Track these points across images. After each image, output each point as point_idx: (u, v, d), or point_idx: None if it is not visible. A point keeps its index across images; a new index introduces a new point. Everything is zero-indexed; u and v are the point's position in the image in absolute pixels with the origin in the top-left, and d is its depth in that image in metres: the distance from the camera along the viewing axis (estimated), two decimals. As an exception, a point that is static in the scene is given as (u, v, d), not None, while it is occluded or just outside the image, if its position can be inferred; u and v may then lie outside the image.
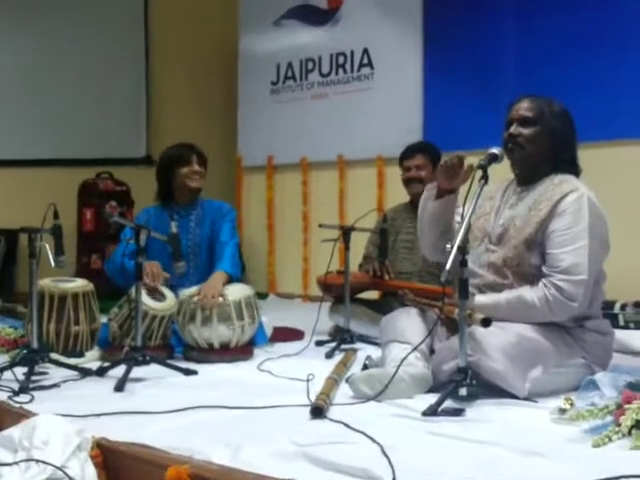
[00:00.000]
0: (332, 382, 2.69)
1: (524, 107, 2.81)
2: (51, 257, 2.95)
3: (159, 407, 2.48)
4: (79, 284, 3.52)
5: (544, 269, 2.68)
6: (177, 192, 3.84)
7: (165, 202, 3.87)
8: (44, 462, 1.97)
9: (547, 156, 2.77)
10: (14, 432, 2.14)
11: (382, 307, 3.93)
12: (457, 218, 2.83)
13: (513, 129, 2.79)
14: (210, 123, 6.78)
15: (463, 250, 2.44)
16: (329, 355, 3.43)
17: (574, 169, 2.83)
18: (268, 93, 6.57)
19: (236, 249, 3.82)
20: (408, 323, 2.90)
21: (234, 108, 6.80)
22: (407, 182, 4.16)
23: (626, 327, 3.90)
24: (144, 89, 6.77)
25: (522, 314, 2.67)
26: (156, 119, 6.77)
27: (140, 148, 6.70)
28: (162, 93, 6.80)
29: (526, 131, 2.78)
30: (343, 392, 2.66)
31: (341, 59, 6.13)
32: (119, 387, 2.82)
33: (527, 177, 2.83)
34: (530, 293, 2.67)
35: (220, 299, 3.43)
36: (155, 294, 3.47)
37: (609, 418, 2.10)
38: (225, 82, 6.92)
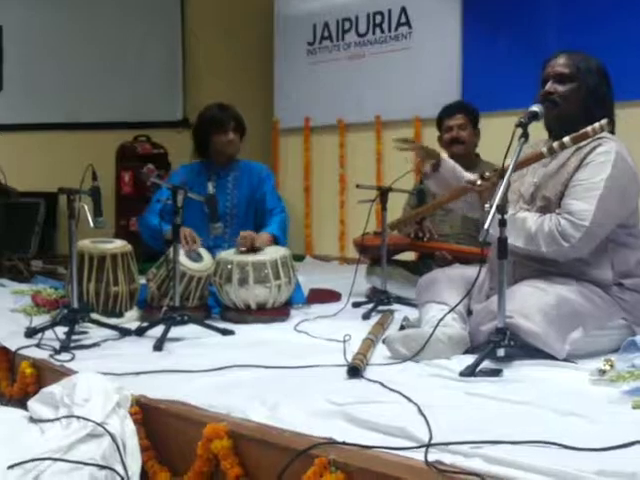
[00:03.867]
0: (369, 343, 2.69)
1: (560, 63, 2.74)
2: (90, 218, 2.97)
3: (197, 366, 2.51)
4: (118, 245, 3.55)
5: (556, 210, 2.65)
6: (214, 155, 3.84)
7: (203, 160, 3.86)
8: (85, 418, 2.00)
9: (582, 113, 2.70)
10: (55, 389, 2.18)
11: (419, 268, 3.91)
12: None
13: (549, 86, 2.73)
14: (246, 85, 6.75)
15: (502, 209, 2.41)
16: (366, 316, 3.42)
17: (609, 126, 2.76)
18: (304, 54, 6.51)
19: (285, 217, 3.83)
20: (445, 283, 2.89)
21: (270, 69, 6.75)
22: (449, 143, 4.08)
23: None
24: (180, 52, 6.76)
25: (523, 236, 2.63)
26: (192, 82, 6.76)
27: (177, 111, 6.71)
28: (198, 56, 6.79)
29: (562, 88, 2.72)
30: (380, 353, 2.66)
31: (378, 18, 6.05)
32: (158, 346, 2.85)
33: (561, 135, 2.76)
34: (534, 218, 2.64)
35: (256, 257, 3.43)
36: (192, 254, 3.48)
37: (650, 380, 2.07)
38: (261, 43, 6.87)
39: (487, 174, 2.77)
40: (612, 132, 2.75)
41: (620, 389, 2.09)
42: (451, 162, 3.04)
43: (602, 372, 2.21)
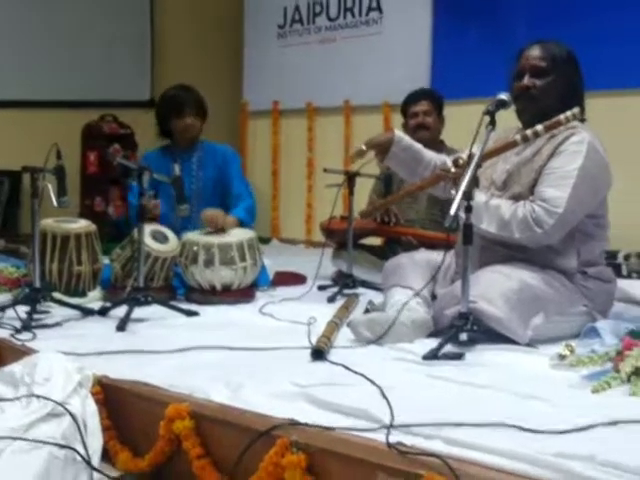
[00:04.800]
0: (333, 326, 2.70)
1: (535, 56, 2.74)
2: (53, 197, 2.94)
3: (160, 347, 2.50)
4: (82, 224, 3.51)
5: (529, 198, 2.67)
6: (176, 136, 3.82)
7: (167, 145, 3.84)
8: (45, 398, 1.98)
9: (559, 105, 2.72)
10: (15, 368, 2.15)
11: (385, 253, 3.92)
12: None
13: (526, 80, 2.73)
14: (215, 66, 6.70)
15: (468, 196, 2.42)
16: (331, 299, 3.43)
17: (582, 115, 2.78)
18: (275, 37, 6.48)
19: (252, 203, 3.81)
20: (410, 268, 2.90)
21: (240, 52, 6.71)
22: (415, 129, 4.09)
23: (629, 277, 3.90)
24: (149, 31, 6.67)
25: (496, 222, 2.65)
26: (160, 62, 6.69)
27: (144, 91, 6.63)
28: (167, 35, 6.71)
29: (540, 82, 2.72)
30: (344, 336, 2.66)
31: (349, 2, 6.03)
32: (121, 327, 2.83)
33: (534, 125, 2.78)
34: (508, 205, 2.66)
35: (223, 239, 3.42)
36: (158, 235, 3.45)
37: (609, 365, 2.11)
38: (231, 25, 6.81)
39: (460, 161, 2.78)
40: (583, 120, 2.78)
41: (580, 374, 2.12)
42: (406, 140, 3.02)
43: (562, 357, 2.24)
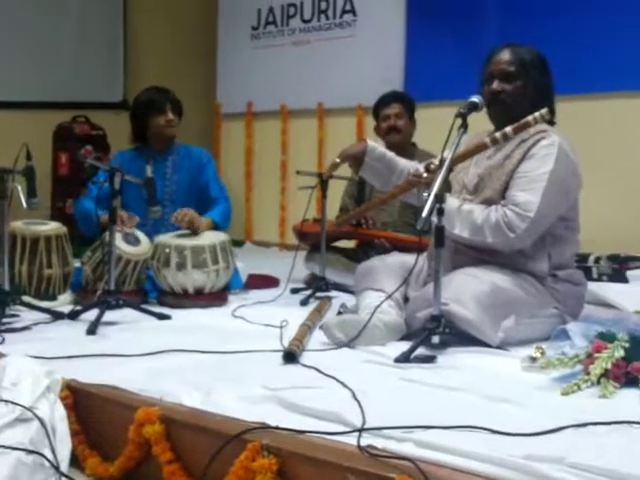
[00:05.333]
0: (306, 328, 2.69)
1: (505, 60, 2.75)
2: (23, 199, 2.91)
3: (131, 350, 2.48)
4: (52, 227, 3.48)
5: (501, 202, 2.68)
6: (151, 138, 3.79)
7: (140, 146, 3.81)
8: (13, 402, 1.95)
9: (527, 108, 2.73)
10: (-17, 372, 2.12)
11: (358, 256, 3.92)
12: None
13: (496, 85, 2.74)
14: (189, 68, 6.67)
15: (440, 199, 2.43)
16: (304, 302, 3.42)
17: (551, 118, 2.80)
18: (248, 38, 6.48)
19: (228, 206, 3.80)
20: (383, 271, 2.90)
21: (213, 53, 6.69)
22: (386, 132, 4.11)
23: (599, 279, 3.94)
24: (122, 33, 6.63)
25: (468, 227, 2.66)
26: (134, 63, 6.65)
27: (117, 92, 6.58)
28: (140, 37, 6.67)
29: (509, 87, 2.74)
30: (316, 338, 2.66)
31: (323, 5, 6.04)
32: (91, 330, 2.81)
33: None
34: (480, 210, 2.67)
35: (195, 241, 3.40)
36: (129, 238, 3.43)
37: (579, 367, 2.11)
38: (205, 26, 6.79)
39: (432, 166, 2.78)
40: (552, 123, 2.80)
41: (550, 376, 2.13)
42: (378, 150, 3.02)
43: (533, 359, 2.25)
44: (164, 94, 3.77)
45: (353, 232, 4.05)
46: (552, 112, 2.78)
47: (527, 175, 2.66)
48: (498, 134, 2.64)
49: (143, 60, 6.62)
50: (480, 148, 2.71)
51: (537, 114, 2.59)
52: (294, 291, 3.67)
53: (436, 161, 2.67)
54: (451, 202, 2.64)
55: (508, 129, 2.62)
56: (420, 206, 2.61)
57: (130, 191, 3.39)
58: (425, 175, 2.75)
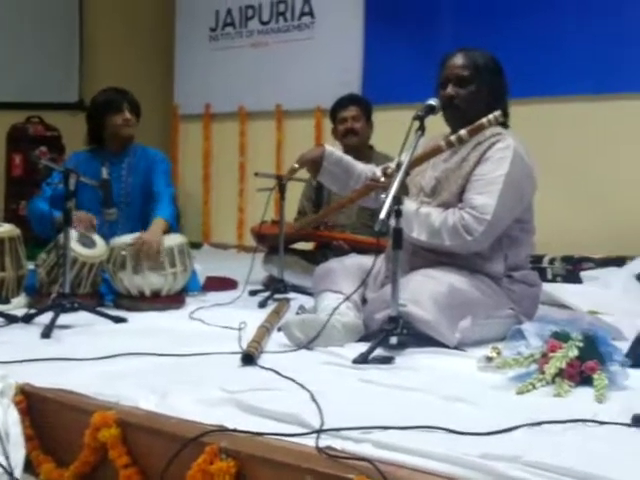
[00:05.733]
0: (264, 330, 2.69)
1: (459, 65, 2.78)
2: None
3: (86, 354, 2.44)
4: (5, 229, 3.42)
5: (458, 205, 2.71)
6: (108, 139, 3.74)
7: (96, 147, 3.77)
8: (-36, 408, 1.92)
9: (482, 112, 2.76)
10: None
11: (316, 258, 3.92)
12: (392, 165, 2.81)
13: (450, 89, 2.77)
14: (146, 69, 6.61)
15: (398, 200, 2.44)
16: (262, 304, 3.41)
17: (505, 121, 2.84)
18: (206, 40, 6.45)
19: (171, 199, 3.75)
20: (341, 273, 2.91)
21: (171, 54, 6.64)
22: (344, 134, 4.13)
23: (554, 280, 4.00)
24: (77, 33, 6.54)
25: (426, 230, 2.68)
26: (89, 63, 6.57)
27: (72, 93, 6.49)
28: (96, 37, 6.59)
29: (463, 91, 2.77)
30: (275, 340, 2.66)
31: (282, 7, 6.04)
32: (46, 334, 2.76)
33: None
34: (437, 213, 2.69)
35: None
36: (85, 240, 3.38)
37: (534, 366, 2.14)
38: (162, 27, 6.74)
39: (389, 170, 2.80)
40: (506, 125, 2.83)
41: (506, 375, 2.16)
42: (336, 154, 3.02)
43: (489, 359, 2.27)
44: (122, 94, 3.73)
45: (311, 234, 4.05)
46: (506, 115, 2.82)
47: (483, 178, 2.69)
48: (453, 137, 2.67)
49: (99, 61, 6.55)
50: (436, 151, 2.73)
51: (491, 116, 2.62)
52: (252, 293, 3.66)
53: (393, 165, 2.69)
54: (409, 205, 2.66)
55: (463, 132, 2.65)
56: (378, 208, 2.63)
57: (85, 193, 3.35)
58: (382, 179, 2.76)
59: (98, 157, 3.71)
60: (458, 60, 2.79)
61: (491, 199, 2.65)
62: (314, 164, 3.00)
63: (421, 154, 2.73)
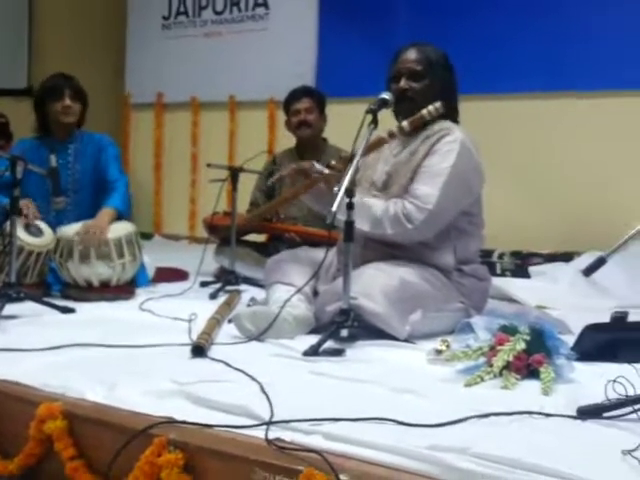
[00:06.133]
0: (214, 322, 2.67)
1: (412, 59, 2.80)
2: None
3: (33, 345, 2.40)
4: (-51, 217, 3.33)
5: (403, 196, 2.73)
6: (52, 126, 3.68)
7: (43, 134, 3.70)
8: None
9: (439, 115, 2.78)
10: None
11: (268, 250, 3.92)
12: None
13: (403, 83, 2.78)
14: (97, 56, 6.49)
15: (350, 193, 2.45)
16: (213, 296, 3.39)
17: (455, 116, 2.87)
18: (159, 28, 6.36)
19: (126, 187, 3.71)
20: (292, 265, 2.91)
21: (123, 42, 6.54)
22: (297, 126, 4.12)
23: (503, 275, 4.05)
24: (26, 18, 6.39)
25: (369, 220, 2.69)
26: (39, 49, 6.43)
27: (21, 79, 6.35)
28: (46, 23, 6.44)
29: (416, 85, 2.78)
30: (226, 332, 2.64)
31: (236, -3, 5.99)
32: (-9, 324, 2.71)
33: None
34: (380, 203, 2.70)
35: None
36: (32, 229, 3.32)
37: (482, 359, 2.17)
38: (114, 14, 6.62)
39: (333, 162, 2.82)
40: (456, 120, 2.86)
41: (454, 368, 2.18)
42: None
43: (438, 352, 2.29)
44: (65, 80, 3.66)
45: (263, 226, 4.04)
46: (455, 110, 2.86)
47: (429, 169, 2.72)
48: (395, 128, 2.70)
49: (49, 47, 6.41)
50: (379, 142, 2.74)
51: (431, 107, 2.66)
52: (203, 284, 3.63)
53: (333, 162, 2.76)
54: (363, 197, 2.67)
55: (404, 123, 2.69)
56: (320, 210, 2.65)
57: (31, 182, 3.28)
58: (326, 171, 2.77)
59: (44, 144, 3.65)
60: (411, 54, 2.81)
61: (434, 189, 2.67)
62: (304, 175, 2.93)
63: (364, 146, 2.74)
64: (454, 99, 2.86)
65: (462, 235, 2.82)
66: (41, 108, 3.66)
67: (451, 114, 2.84)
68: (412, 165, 2.77)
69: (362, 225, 2.68)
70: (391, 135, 2.70)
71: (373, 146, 2.76)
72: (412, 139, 2.82)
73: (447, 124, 2.79)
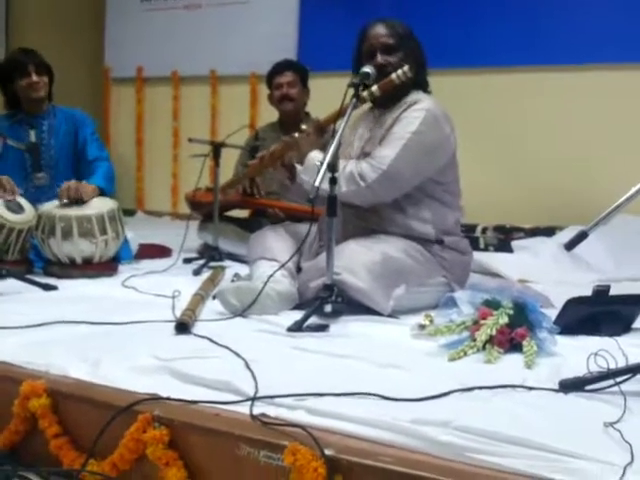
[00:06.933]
0: (198, 298, 2.67)
1: (383, 34, 2.79)
2: None
3: (15, 322, 2.39)
4: None
5: None
6: (23, 102, 3.64)
7: (14, 111, 3.66)
8: None
9: (410, 79, 2.77)
10: None
11: (251, 225, 3.90)
12: None
13: (380, 59, 2.77)
14: (75, 30, 6.39)
15: (333, 168, 2.44)
16: (197, 272, 3.38)
17: (425, 87, 2.88)
18: (138, 1, 6.27)
19: (109, 165, 3.69)
20: (276, 241, 2.91)
21: (102, 15, 6.45)
22: (279, 100, 4.11)
23: (486, 249, 4.07)
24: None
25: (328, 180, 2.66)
26: (16, 26, 6.31)
27: (-1, 53, 6.26)
28: (23, -2, 6.35)
29: (392, 59, 2.78)
30: (210, 308, 2.64)
31: (216, -31, 5.92)
32: (-28, 302, 2.69)
33: (387, 101, 2.83)
34: (341, 164, 2.67)
35: (81, 211, 3.30)
36: (12, 205, 3.29)
37: (465, 334, 2.18)
38: (92, -14, 6.53)
39: (303, 126, 2.86)
40: (427, 91, 2.87)
41: (438, 343, 2.19)
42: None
43: (422, 327, 2.30)
44: (27, 55, 3.62)
45: (246, 201, 4.02)
46: (426, 82, 2.88)
47: (392, 135, 2.74)
48: (365, 92, 2.69)
49: (27, 22, 6.29)
50: (344, 110, 2.70)
51: (400, 71, 2.68)
52: (187, 261, 3.63)
53: (304, 126, 2.88)
54: (316, 157, 2.70)
55: (374, 87, 2.69)
56: (297, 199, 2.64)
57: (8, 157, 3.25)
58: (296, 135, 2.83)
59: (18, 121, 3.61)
60: (381, 29, 2.80)
61: (391, 151, 2.69)
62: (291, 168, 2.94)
63: (331, 114, 2.77)
64: (424, 70, 2.87)
65: (437, 204, 2.82)
66: (7, 84, 3.63)
67: (422, 85, 2.85)
68: (381, 133, 2.78)
69: (323, 185, 2.66)
70: (362, 100, 2.68)
71: (338, 112, 2.73)
72: (387, 112, 2.81)
73: (418, 95, 2.81)
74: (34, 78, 3.57)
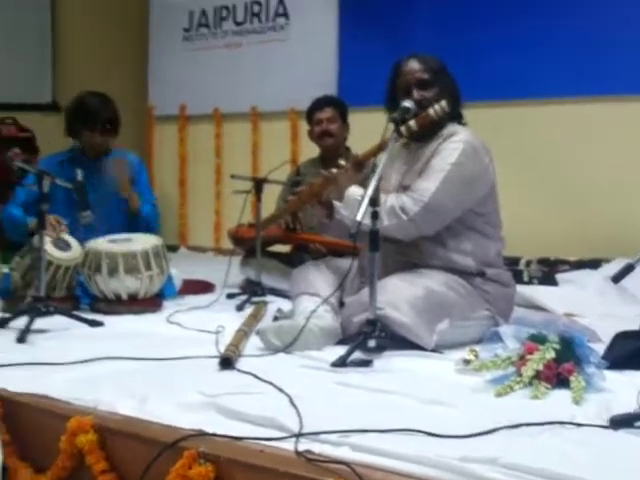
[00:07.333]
0: (242, 334, 2.68)
1: (418, 69, 2.80)
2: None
3: (63, 358, 2.42)
4: (-22, 233, 3.38)
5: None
6: (84, 145, 3.72)
7: (71, 155, 3.74)
8: (-61, 414, 1.89)
9: (448, 114, 2.78)
10: None
11: (293, 260, 3.92)
12: None
13: (416, 94, 2.77)
14: (120, 69, 6.55)
15: (374, 202, 2.44)
16: (240, 308, 3.40)
17: (460, 120, 2.88)
18: (180, 40, 6.41)
19: (155, 208, 3.78)
20: (318, 276, 2.92)
21: (145, 55, 6.60)
22: (320, 136, 4.14)
23: (530, 282, 4.02)
24: (50, 32, 6.46)
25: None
26: (63, 64, 6.49)
27: (45, 93, 6.42)
28: (69, 37, 6.51)
29: (428, 94, 2.78)
30: (253, 344, 2.65)
31: (256, 8, 6.03)
32: (21, 338, 2.73)
33: (424, 135, 2.83)
34: (381, 197, 2.64)
35: (127, 247, 3.36)
36: (60, 243, 3.35)
37: (511, 369, 2.16)
38: (136, 26, 6.68)
39: (341, 162, 2.88)
40: (463, 123, 2.88)
41: (483, 378, 2.17)
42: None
43: (467, 362, 2.28)
44: (104, 108, 3.67)
45: (287, 237, 4.04)
46: (460, 114, 2.87)
47: (431, 167, 2.74)
48: (403, 128, 2.69)
49: (73, 61, 6.47)
50: (385, 143, 2.71)
51: (437, 106, 2.68)
52: (230, 296, 3.64)
53: (342, 161, 2.88)
54: (357, 191, 2.71)
55: (412, 122, 2.69)
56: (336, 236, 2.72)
57: (58, 197, 3.32)
58: (334, 170, 2.84)
59: (73, 160, 3.69)
60: (415, 65, 2.81)
61: (432, 184, 2.69)
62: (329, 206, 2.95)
63: (369, 149, 2.79)
64: (459, 104, 2.88)
65: (479, 236, 2.81)
66: (71, 128, 3.70)
67: (457, 118, 2.85)
68: (419, 166, 2.78)
69: (364, 220, 2.66)
70: (399, 134, 2.68)
71: (377, 149, 2.77)
72: (425, 145, 2.82)
73: (455, 127, 2.82)
74: (98, 140, 3.66)
